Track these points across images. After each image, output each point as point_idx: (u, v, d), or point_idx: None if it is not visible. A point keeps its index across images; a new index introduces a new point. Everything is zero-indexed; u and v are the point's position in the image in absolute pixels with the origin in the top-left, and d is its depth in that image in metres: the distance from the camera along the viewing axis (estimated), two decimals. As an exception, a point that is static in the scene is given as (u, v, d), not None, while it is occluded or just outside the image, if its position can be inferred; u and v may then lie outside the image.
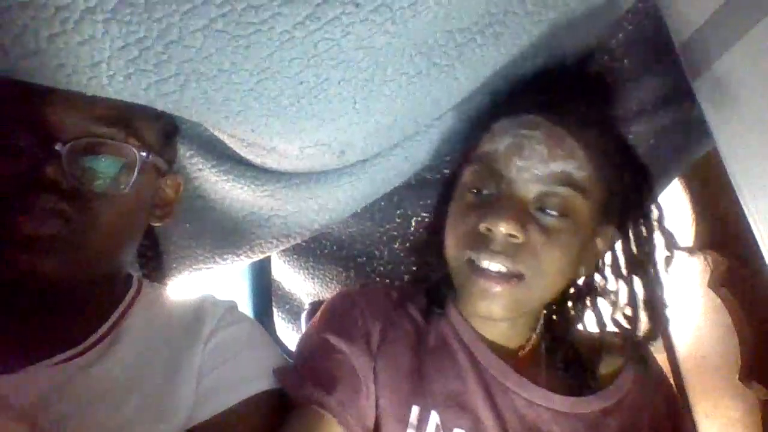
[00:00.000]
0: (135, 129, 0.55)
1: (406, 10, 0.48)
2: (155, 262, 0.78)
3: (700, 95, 0.64)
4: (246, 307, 0.90)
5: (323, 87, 0.53)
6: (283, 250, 0.87)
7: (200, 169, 0.67)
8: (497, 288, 0.57)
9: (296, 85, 0.51)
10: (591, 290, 0.66)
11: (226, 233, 0.75)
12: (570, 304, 0.66)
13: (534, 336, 0.65)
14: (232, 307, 0.64)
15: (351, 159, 0.67)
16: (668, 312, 0.65)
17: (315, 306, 0.73)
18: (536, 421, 0.60)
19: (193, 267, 0.78)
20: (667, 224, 0.65)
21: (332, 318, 0.64)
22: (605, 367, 0.66)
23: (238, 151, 0.65)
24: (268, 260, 0.90)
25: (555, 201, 0.57)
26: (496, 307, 0.58)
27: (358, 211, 0.78)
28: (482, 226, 0.57)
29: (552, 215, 0.57)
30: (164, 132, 0.60)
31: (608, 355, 0.67)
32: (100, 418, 0.50)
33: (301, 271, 0.86)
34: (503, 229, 0.56)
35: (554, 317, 0.68)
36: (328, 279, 0.84)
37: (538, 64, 0.65)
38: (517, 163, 0.58)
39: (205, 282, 0.78)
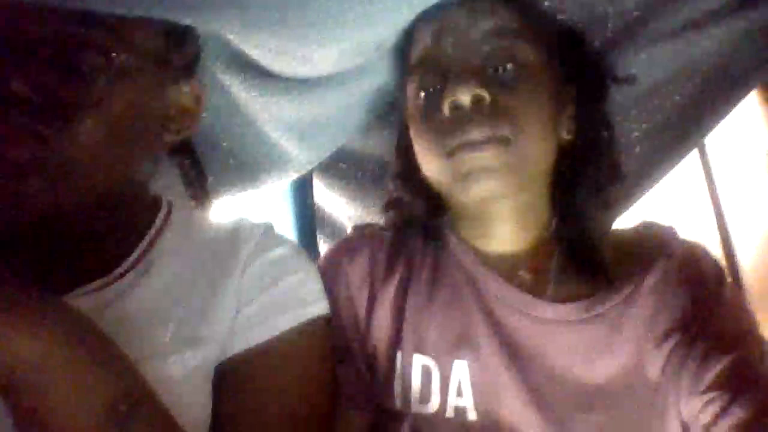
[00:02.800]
0: (118, 30, 0.48)
1: None
2: (199, 183, 0.78)
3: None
4: (290, 229, 0.91)
5: None
6: (324, 173, 0.87)
7: (229, 85, 0.64)
8: (486, 153, 0.55)
9: None
10: (582, 159, 0.63)
11: (263, 152, 0.74)
12: (571, 182, 0.63)
13: (545, 234, 0.63)
14: (269, 228, 0.62)
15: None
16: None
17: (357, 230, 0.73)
18: (549, 337, 0.57)
19: (235, 187, 0.77)
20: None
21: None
22: (622, 262, 0.61)
23: (264, 63, 0.61)
24: (309, 183, 0.90)
25: (503, 54, 0.57)
26: (493, 179, 0.56)
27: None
28: (446, 105, 0.56)
29: (508, 70, 0.57)
30: (167, 33, 0.52)
31: (629, 252, 0.62)
32: (134, 347, 0.46)
33: (343, 195, 0.85)
34: (466, 93, 0.55)
35: (564, 213, 0.63)
36: (369, 202, 0.82)
37: None
38: (449, 41, 0.57)
39: (246, 205, 0.78)
